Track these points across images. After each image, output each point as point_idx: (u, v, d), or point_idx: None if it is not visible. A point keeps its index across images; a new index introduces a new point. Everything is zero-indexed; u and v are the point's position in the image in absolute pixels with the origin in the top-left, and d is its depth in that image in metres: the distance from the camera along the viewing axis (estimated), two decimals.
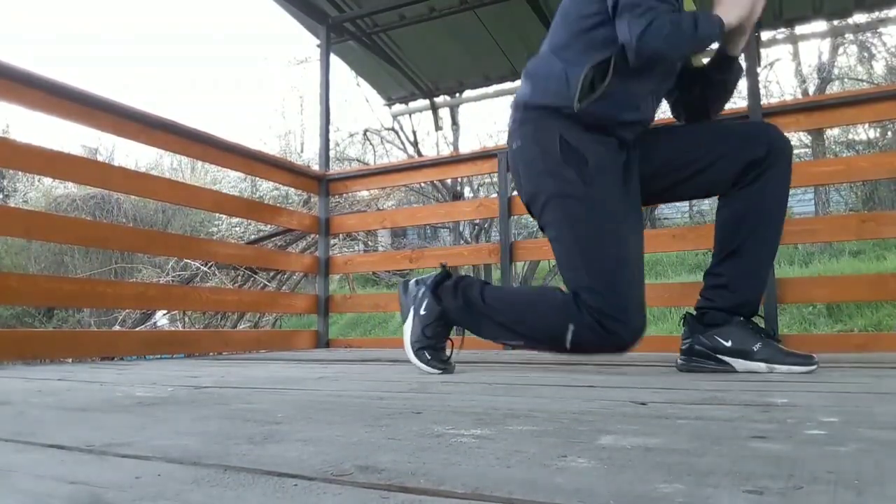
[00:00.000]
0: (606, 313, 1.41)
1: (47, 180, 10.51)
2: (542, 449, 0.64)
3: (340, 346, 3.45)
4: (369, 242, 8.86)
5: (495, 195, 3.20)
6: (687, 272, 8.57)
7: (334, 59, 4.12)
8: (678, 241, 3.01)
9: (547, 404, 1.00)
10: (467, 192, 8.13)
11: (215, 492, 0.50)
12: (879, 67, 9.61)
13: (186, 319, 5.61)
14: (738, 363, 1.49)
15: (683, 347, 1.58)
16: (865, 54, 9.57)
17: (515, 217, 3.56)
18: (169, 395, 1.21)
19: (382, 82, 4.77)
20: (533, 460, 0.59)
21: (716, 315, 1.53)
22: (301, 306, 3.61)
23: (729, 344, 1.50)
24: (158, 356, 2.67)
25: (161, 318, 5.71)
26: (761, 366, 1.46)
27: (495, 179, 3.57)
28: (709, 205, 10.37)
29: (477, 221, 7.52)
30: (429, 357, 1.61)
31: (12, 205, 10.42)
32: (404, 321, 1.69)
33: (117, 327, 5.79)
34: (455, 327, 1.68)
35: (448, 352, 1.66)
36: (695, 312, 1.59)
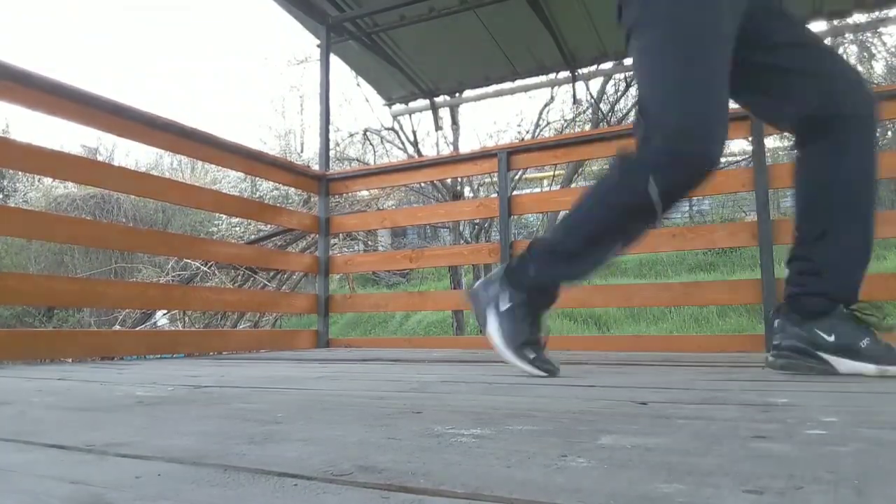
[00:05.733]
0: (687, 133, 1.24)
1: (47, 180, 10.52)
2: (542, 449, 0.64)
3: (340, 345, 3.45)
4: (369, 242, 8.85)
5: (495, 195, 3.20)
6: (687, 272, 8.57)
7: (334, 59, 4.12)
8: (678, 239, 3.00)
9: (547, 404, 1.00)
10: (467, 192, 8.12)
11: (215, 492, 0.50)
12: (879, 67, 9.61)
13: (186, 319, 5.61)
14: (843, 363, 1.28)
15: (776, 342, 1.38)
16: (865, 54, 9.57)
17: (515, 217, 3.56)
18: (169, 395, 1.21)
19: (382, 82, 4.77)
20: (533, 460, 0.59)
21: (815, 301, 1.32)
22: (301, 306, 3.60)
23: (832, 339, 1.29)
24: (158, 356, 2.67)
25: (161, 318, 5.71)
26: (870, 367, 1.26)
27: (495, 179, 3.57)
28: (709, 205, 10.38)
29: (477, 221, 7.51)
30: (531, 357, 1.42)
31: (12, 205, 10.42)
32: (484, 328, 1.50)
33: (117, 327, 5.78)
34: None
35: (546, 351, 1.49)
36: (785, 302, 1.39)
